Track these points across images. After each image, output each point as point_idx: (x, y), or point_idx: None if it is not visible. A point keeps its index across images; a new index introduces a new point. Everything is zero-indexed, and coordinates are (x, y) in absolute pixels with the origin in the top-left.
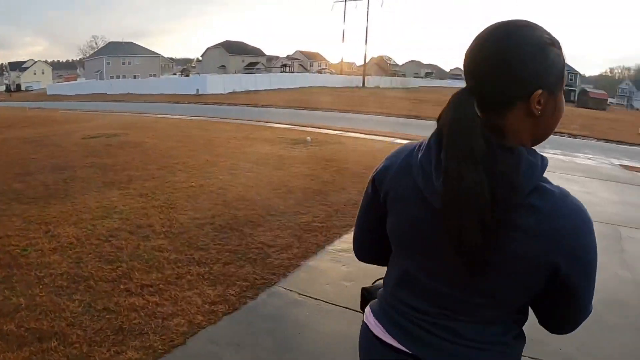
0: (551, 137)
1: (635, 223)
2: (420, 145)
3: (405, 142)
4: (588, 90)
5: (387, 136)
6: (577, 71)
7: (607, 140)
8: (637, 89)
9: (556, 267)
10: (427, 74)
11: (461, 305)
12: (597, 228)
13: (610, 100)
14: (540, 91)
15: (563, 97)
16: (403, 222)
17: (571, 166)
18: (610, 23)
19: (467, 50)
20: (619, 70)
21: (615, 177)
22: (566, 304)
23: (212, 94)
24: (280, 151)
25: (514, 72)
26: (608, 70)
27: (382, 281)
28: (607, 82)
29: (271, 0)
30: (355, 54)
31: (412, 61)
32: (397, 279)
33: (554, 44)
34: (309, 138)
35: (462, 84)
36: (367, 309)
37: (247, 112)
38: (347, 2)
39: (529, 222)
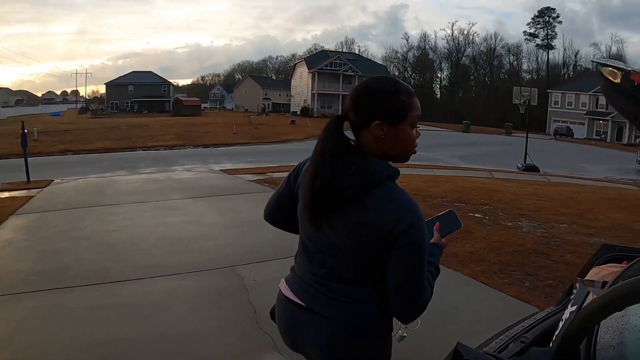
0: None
1: (254, 255)
2: None
3: None
4: (182, 98)
5: None
6: (170, 82)
7: (205, 145)
8: (227, 92)
9: (389, 237)
10: (18, 102)
11: (336, 269)
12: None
13: (204, 105)
14: (378, 122)
15: (408, 128)
16: (301, 204)
17: (169, 186)
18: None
19: None
20: (210, 77)
21: (220, 188)
22: (399, 278)
23: None
24: None
25: (360, 109)
26: (200, 78)
27: None
28: (199, 89)
29: None
30: None
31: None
32: (298, 249)
33: (399, 92)
34: None
35: (54, 108)
36: (283, 278)
37: None
38: None
39: (372, 202)
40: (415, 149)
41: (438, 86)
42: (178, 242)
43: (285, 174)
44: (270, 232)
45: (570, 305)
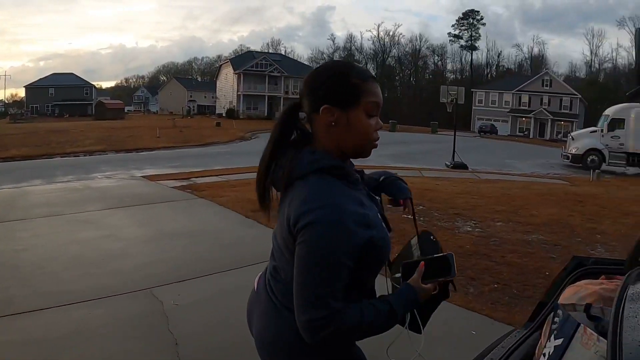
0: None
1: (176, 273)
2: None
3: None
4: (104, 101)
5: None
6: (93, 85)
7: (127, 150)
8: (152, 94)
9: (293, 234)
10: None
11: (277, 265)
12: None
13: (127, 108)
14: (326, 106)
15: (362, 116)
16: None
17: (87, 196)
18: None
19: None
20: (134, 79)
21: (140, 196)
22: (295, 286)
23: None
24: None
25: (309, 93)
26: (124, 80)
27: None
28: (123, 91)
29: None
30: None
31: None
32: None
33: (349, 74)
34: None
35: None
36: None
37: None
38: None
39: (292, 195)
40: (376, 142)
41: None
42: (91, 261)
43: (211, 179)
44: (194, 245)
45: (553, 337)
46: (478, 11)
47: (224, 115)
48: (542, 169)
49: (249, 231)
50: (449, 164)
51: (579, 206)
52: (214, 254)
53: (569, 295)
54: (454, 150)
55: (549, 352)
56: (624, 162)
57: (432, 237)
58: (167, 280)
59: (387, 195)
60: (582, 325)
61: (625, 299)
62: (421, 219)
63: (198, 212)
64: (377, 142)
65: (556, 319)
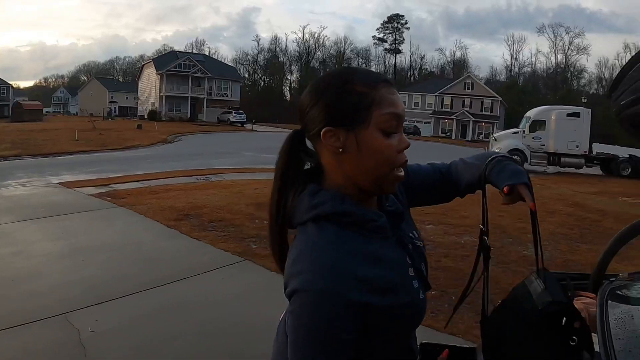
0: None
1: (94, 294)
2: None
3: None
4: (22, 102)
5: None
6: (10, 84)
7: (44, 155)
8: (72, 95)
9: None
10: None
11: None
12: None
13: (46, 109)
14: (327, 128)
15: (376, 134)
16: None
17: None
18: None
19: None
20: (54, 79)
21: (56, 206)
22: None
23: None
24: None
25: (308, 114)
26: (43, 80)
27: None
28: (42, 91)
29: None
30: None
31: None
32: None
33: (351, 82)
34: None
35: None
36: None
37: None
38: None
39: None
40: (402, 169)
41: (288, 88)
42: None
43: (131, 185)
44: (113, 260)
45: None
46: (403, 15)
47: (145, 117)
48: None
49: (171, 243)
50: None
51: (507, 206)
52: (134, 271)
53: None
54: None
55: None
56: (545, 162)
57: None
58: (83, 304)
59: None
60: None
61: (607, 318)
62: None
63: (117, 222)
64: (402, 173)
65: None
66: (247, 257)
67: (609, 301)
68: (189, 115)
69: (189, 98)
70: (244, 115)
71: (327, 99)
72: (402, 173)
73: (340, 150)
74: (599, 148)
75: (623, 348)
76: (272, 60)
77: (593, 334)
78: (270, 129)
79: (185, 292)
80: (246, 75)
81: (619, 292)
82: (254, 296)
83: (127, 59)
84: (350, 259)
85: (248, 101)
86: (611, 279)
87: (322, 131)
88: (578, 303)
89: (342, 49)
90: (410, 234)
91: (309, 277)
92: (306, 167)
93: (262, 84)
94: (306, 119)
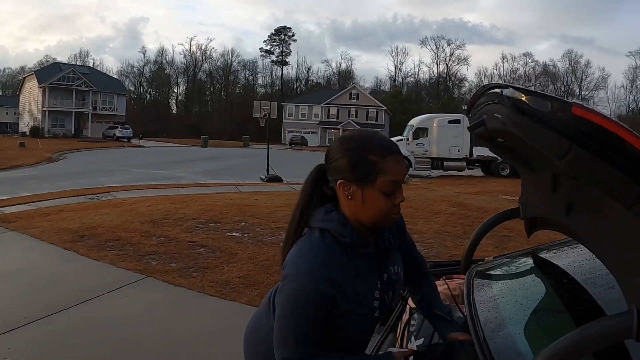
0: None
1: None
2: None
3: None
4: None
5: None
6: None
7: None
8: None
9: None
10: None
11: None
12: None
13: None
14: (342, 181)
15: (377, 195)
16: None
17: None
18: None
19: None
20: None
21: None
22: (274, 326)
23: None
24: None
25: (330, 162)
26: None
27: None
28: None
29: None
30: None
31: None
32: None
33: (367, 149)
34: None
35: None
36: None
37: None
38: None
39: None
40: (398, 215)
41: (174, 101)
42: None
43: (20, 208)
44: (6, 290)
45: (413, 338)
46: (290, 28)
47: (27, 133)
48: None
49: (72, 265)
50: (264, 177)
51: None
52: (38, 296)
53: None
54: (267, 164)
55: (415, 349)
56: (428, 167)
57: None
58: None
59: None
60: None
61: (471, 295)
62: (245, 236)
63: (12, 248)
64: (398, 215)
65: (413, 322)
66: (149, 274)
67: (475, 280)
68: (73, 131)
69: (73, 113)
70: (131, 130)
71: (348, 159)
72: (397, 215)
73: (350, 198)
74: (479, 151)
75: (486, 316)
76: (158, 72)
77: (462, 306)
78: (158, 144)
79: (93, 313)
80: (132, 88)
81: (483, 273)
82: (160, 311)
83: (7, 71)
84: (334, 267)
85: (134, 115)
86: (479, 263)
87: (338, 182)
88: (452, 283)
89: (229, 61)
90: (391, 267)
91: (301, 269)
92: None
93: (148, 97)
94: (331, 165)
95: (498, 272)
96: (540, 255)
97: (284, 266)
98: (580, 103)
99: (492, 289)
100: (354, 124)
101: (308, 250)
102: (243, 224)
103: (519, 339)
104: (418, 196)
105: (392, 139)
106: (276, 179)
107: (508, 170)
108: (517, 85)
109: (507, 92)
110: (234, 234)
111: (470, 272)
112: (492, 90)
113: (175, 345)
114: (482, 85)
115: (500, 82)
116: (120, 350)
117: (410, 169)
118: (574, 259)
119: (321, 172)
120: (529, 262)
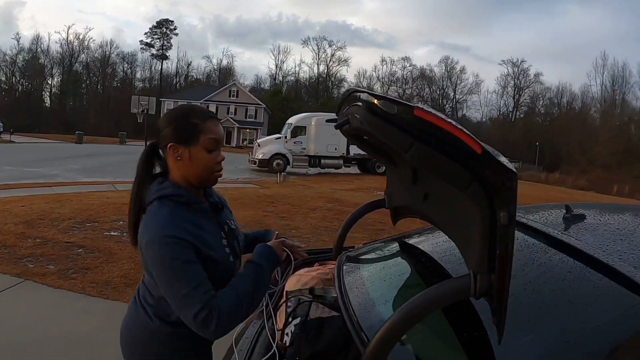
0: None
1: None
2: None
3: None
4: None
5: None
6: None
7: None
8: None
9: (141, 251)
10: None
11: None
12: None
13: None
14: (171, 144)
15: (202, 151)
16: None
17: None
18: None
19: None
20: None
21: None
22: (167, 299)
23: None
24: None
25: (159, 133)
26: None
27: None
28: None
29: None
30: None
31: None
32: None
33: (189, 115)
34: None
35: None
36: None
37: None
38: None
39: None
40: (220, 173)
41: (48, 93)
42: None
43: None
44: None
45: (291, 318)
46: (172, 21)
47: None
48: (232, 174)
49: None
50: None
51: (272, 206)
52: None
53: (293, 283)
54: None
55: (292, 330)
56: (306, 164)
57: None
58: None
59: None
60: (313, 303)
61: (341, 276)
62: (124, 235)
63: None
64: (220, 172)
65: (289, 304)
66: (27, 277)
67: (345, 263)
68: None
69: None
70: (1, 124)
71: (173, 125)
72: (220, 173)
73: (179, 158)
74: (356, 150)
75: (354, 293)
76: (32, 62)
77: (335, 287)
78: (31, 139)
79: None
80: (3, 79)
81: (353, 257)
82: (41, 315)
83: None
84: (180, 220)
85: (4, 108)
86: (350, 249)
87: (168, 146)
88: (325, 268)
89: (107, 53)
90: (227, 220)
91: (155, 232)
92: (157, 171)
93: (20, 89)
94: (161, 135)
95: (366, 256)
96: (405, 240)
97: (139, 241)
98: (422, 107)
99: (360, 270)
100: (233, 122)
101: (153, 217)
102: (121, 222)
103: (384, 309)
104: (296, 193)
105: (271, 137)
106: None
107: (384, 168)
108: (370, 91)
109: (364, 96)
110: (112, 233)
111: (341, 257)
112: (353, 94)
113: (60, 348)
114: (347, 89)
115: (360, 87)
116: (2, 357)
117: (288, 166)
118: (433, 242)
119: (153, 148)
120: (394, 246)
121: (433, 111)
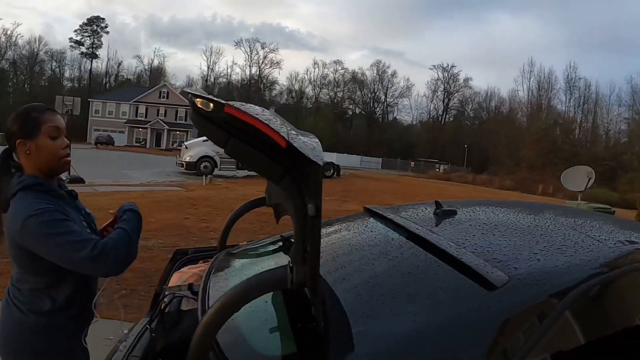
0: None
1: None
2: None
3: None
4: None
5: None
6: None
7: None
8: None
9: (17, 237)
10: None
11: (15, 274)
12: None
13: None
14: (19, 141)
15: (47, 140)
16: None
17: None
18: None
19: None
20: None
21: None
22: (57, 256)
23: None
24: None
25: (7, 132)
26: None
27: None
28: None
29: None
30: None
31: None
32: None
33: (29, 111)
34: None
35: None
36: None
37: None
38: None
39: (7, 216)
40: (68, 159)
41: None
42: None
43: None
44: None
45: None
46: (104, 18)
47: None
48: (159, 177)
49: None
50: (65, 178)
51: (193, 209)
52: None
53: (175, 280)
54: (69, 164)
55: (154, 325)
56: (234, 167)
57: None
58: None
59: None
60: (184, 298)
61: (211, 272)
62: None
63: None
64: (68, 158)
65: (165, 300)
66: None
67: (220, 258)
68: None
69: None
70: None
71: (18, 122)
72: (68, 158)
73: (28, 152)
74: None
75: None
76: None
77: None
78: None
79: None
80: None
81: (231, 253)
82: None
83: None
84: (45, 203)
85: None
86: (233, 247)
87: (17, 143)
88: (194, 269)
89: (35, 50)
90: (84, 206)
91: (24, 213)
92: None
93: None
94: (9, 134)
95: (244, 252)
96: (286, 237)
97: (11, 232)
98: (232, 104)
99: (230, 266)
100: (163, 123)
101: (20, 203)
102: None
103: None
104: (219, 195)
105: (199, 139)
106: (78, 180)
107: (332, 171)
108: (195, 91)
109: (189, 96)
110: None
111: (220, 254)
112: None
113: None
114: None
115: (195, 89)
116: None
117: (216, 169)
118: None
119: (8, 153)
120: (275, 242)
121: (242, 107)
